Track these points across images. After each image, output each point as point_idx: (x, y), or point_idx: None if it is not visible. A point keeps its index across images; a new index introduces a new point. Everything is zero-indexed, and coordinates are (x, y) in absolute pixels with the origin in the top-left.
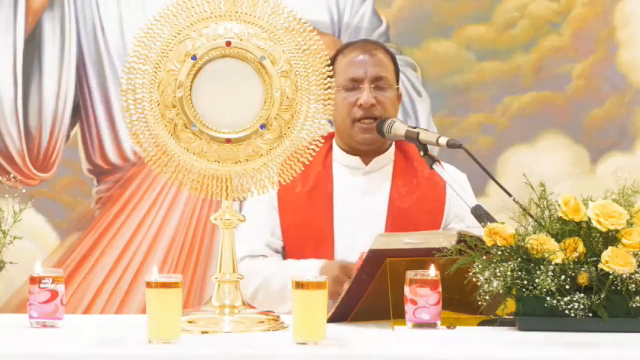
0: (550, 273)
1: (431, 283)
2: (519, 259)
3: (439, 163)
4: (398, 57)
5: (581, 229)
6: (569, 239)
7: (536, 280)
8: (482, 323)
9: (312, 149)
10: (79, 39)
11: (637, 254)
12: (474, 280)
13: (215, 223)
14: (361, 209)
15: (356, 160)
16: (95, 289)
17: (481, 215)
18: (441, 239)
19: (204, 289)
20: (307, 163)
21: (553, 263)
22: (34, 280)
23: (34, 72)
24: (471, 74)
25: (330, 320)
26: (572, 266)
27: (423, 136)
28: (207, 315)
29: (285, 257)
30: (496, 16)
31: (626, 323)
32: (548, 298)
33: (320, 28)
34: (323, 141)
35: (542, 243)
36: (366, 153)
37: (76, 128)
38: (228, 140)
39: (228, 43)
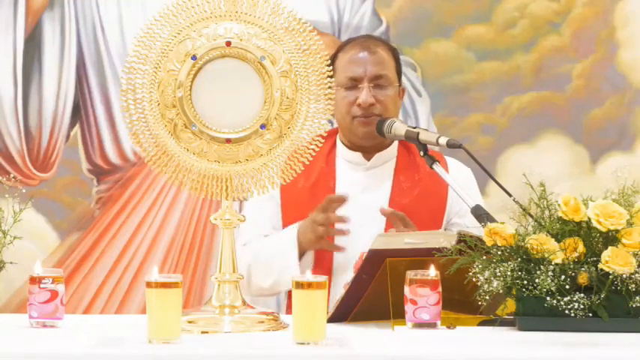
0: (550, 273)
1: (431, 283)
2: (519, 259)
3: (439, 162)
4: None
5: (581, 229)
6: (569, 239)
7: (536, 280)
8: (482, 323)
9: (313, 149)
10: (79, 39)
11: (637, 254)
12: (474, 280)
13: (215, 223)
14: (362, 205)
15: (358, 156)
16: (95, 289)
17: (481, 215)
18: (441, 239)
19: (204, 289)
20: (307, 163)
21: (553, 263)
22: (34, 280)
23: (34, 72)
24: (471, 74)
25: (330, 320)
26: (572, 266)
27: (423, 136)
28: (207, 315)
29: None
30: (496, 16)
31: (626, 323)
32: (548, 298)
33: (320, 28)
34: (323, 141)
35: (542, 243)
36: (368, 148)
37: (76, 128)
38: (228, 140)
39: (228, 43)
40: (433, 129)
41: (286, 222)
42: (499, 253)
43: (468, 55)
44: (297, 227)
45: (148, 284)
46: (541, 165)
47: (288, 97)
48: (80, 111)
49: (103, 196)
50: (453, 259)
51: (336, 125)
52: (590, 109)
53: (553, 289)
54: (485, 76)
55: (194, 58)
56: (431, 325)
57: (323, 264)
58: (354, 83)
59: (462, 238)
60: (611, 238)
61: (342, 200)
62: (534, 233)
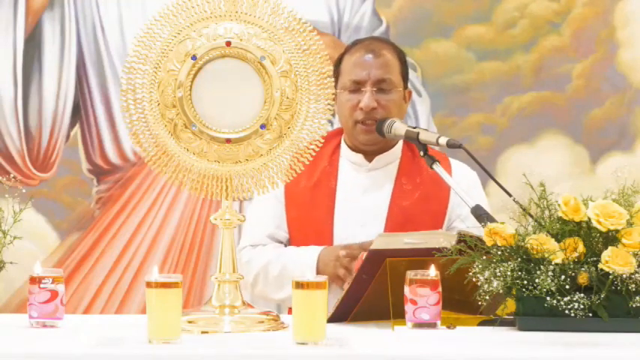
0: (550, 273)
1: (431, 283)
2: (519, 259)
3: (440, 162)
4: None
5: (581, 229)
6: (569, 239)
7: (536, 280)
8: (482, 323)
9: (312, 149)
10: (79, 39)
11: (637, 254)
12: (474, 280)
13: (215, 223)
14: (362, 206)
15: (360, 158)
16: (95, 289)
17: (481, 215)
18: (441, 239)
19: (204, 289)
20: (307, 163)
21: (553, 263)
22: (34, 280)
23: (34, 72)
24: (471, 74)
25: (330, 320)
26: (572, 266)
27: (423, 136)
28: (207, 315)
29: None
30: (496, 16)
31: (626, 323)
32: (548, 298)
33: (320, 28)
34: (323, 141)
35: (542, 243)
36: (371, 152)
37: (76, 128)
38: (228, 140)
39: (228, 43)
40: (433, 129)
41: (290, 220)
42: (499, 253)
43: (468, 55)
44: (318, 252)
45: (148, 284)
46: (541, 165)
47: (288, 97)
48: (80, 111)
49: (103, 196)
50: (453, 259)
51: (336, 125)
52: (590, 109)
53: (553, 289)
54: (485, 76)
55: (194, 58)
56: (431, 325)
57: None
58: (357, 86)
59: (462, 238)
60: (611, 238)
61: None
62: (534, 233)
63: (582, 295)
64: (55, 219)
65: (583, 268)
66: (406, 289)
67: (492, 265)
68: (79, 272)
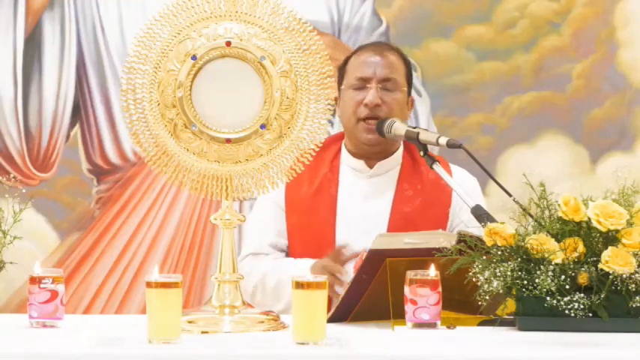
0: (550, 273)
1: (431, 283)
2: (519, 259)
3: (439, 163)
4: None
5: (581, 229)
6: (569, 239)
7: (536, 280)
8: (482, 323)
9: (312, 149)
10: (79, 39)
11: (637, 254)
12: (474, 280)
13: (215, 223)
14: (364, 213)
15: (361, 164)
16: (95, 289)
17: (481, 215)
18: (441, 239)
19: (204, 289)
20: (307, 163)
21: (553, 263)
22: (34, 280)
23: (34, 72)
24: (471, 74)
25: (330, 320)
26: (572, 266)
27: (423, 136)
28: (207, 315)
29: (287, 257)
30: (496, 16)
31: (626, 323)
32: (548, 298)
33: (320, 28)
34: (322, 141)
35: (542, 243)
36: (372, 155)
37: (76, 128)
38: (228, 140)
39: (228, 43)
40: (433, 129)
41: (290, 227)
42: (499, 253)
43: (468, 55)
44: (311, 265)
45: (148, 284)
46: (541, 165)
47: (288, 97)
48: (80, 111)
49: (103, 196)
50: (453, 259)
51: (336, 126)
52: (590, 109)
53: (553, 289)
54: (485, 76)
55: (194, 58)
56: (431, 325)
57: None
58: (362, 83)
59: (462, 238)
60: (611, 238)
61: (351, 256)
62: (534, 233)
63: (582, 295)
64: (55, 219)
65: (583, 268)
66: (406, 289)
67: (492, 265)
68: (79, 272)
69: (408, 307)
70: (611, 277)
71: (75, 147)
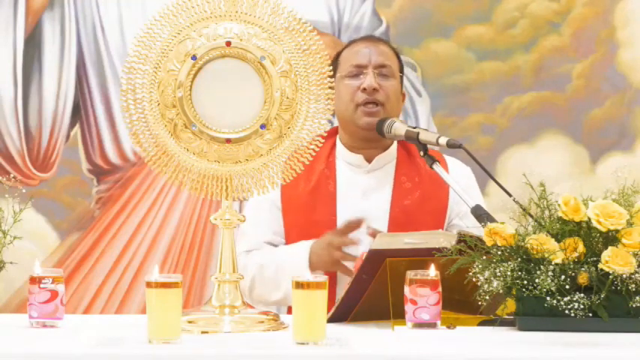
0: (550, 273)
1: (431, 283)
2: (519, 259)
3: (439, 162)
4: None
5: (581, 229)
6: (569, 239)
7: (536, 280)
8: (483, 323)
9: (313, 149)
10: (79, 39)
11: (637, 254)
12: (474, 280)
13: (215, 223)
14: (363, 208)
15: (359, 158)
16: (95, 289)
17: (481, 215)
18: (441, 239)
19: (204, 289)
20: (307, 163)
21: (553, 263)
22: (34, 280)
23: (34, 72)
24: (471, 74)
25: (330, 320)
26: (572, 266)
27: (423, 136)
28: (207, 315)
29: None
30: (496, 16)
31: (626, 323)
32: (548, 298)
33: (320, 28)
34: (323, 141)
35: (542, 243)
36: (370, 144)
37: (76, 128)
38: (228, 140)
39: (228, 43)
40: (433, 129)
41: (287, 226)
42: (499, 253)
43: (468, 55)
44: (309, 245)
45: (148, 284)
46: (541, 165)
47: (288, 97)
48: (80, 111)
49: (103, 196)
50: (453, 259)
51: (335, 125)
52: (590, 109)
53: (553, 289)
54: (485, 76)
55: (194, 58)
56: (431, 325)
57: None
58: (359, 70)
59: (462, 238)
60: (611, 238)
61: (359, 224)
62: (534, 233)
63: (582, 295)
64: (55, 219)
65: (583, 268)
66: (406, 289)
67: (492, 265)
68: (79, 272)
69: (408, 307)
70: (611, 277)
71: (75, 147)
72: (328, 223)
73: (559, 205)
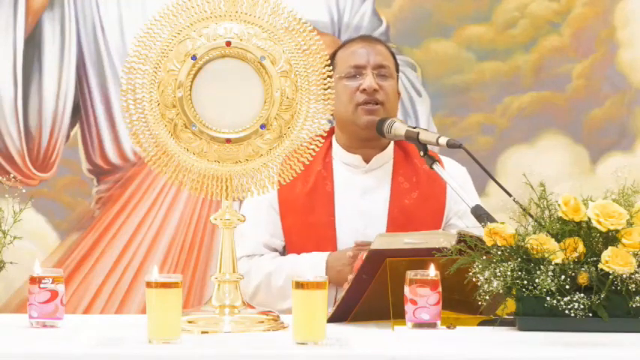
0: (550, 273)
1: (431, 283)
2: (519, 259)
3: (439, 162)
4: (398, 57)
5: (581, 229)
6: (569, 239)
7: (536, 280)
8: (483, 323)
9: (313, 149)
10: (79, 39)
11: (637, 254)
12: (474, 280)
13: (215, 223)
14: (362, 208)
15: (357, 159)
16: (95, 289)
17: (481, 215)
18: (441, 239)
19: (204, 289)
20: (307, 163)
21: (553, 263)
22: (34, 280)
23: (34, 72)
24: (471, 74)
25: (330, 320)
26: (572, 266)
27: (423, 136)
28: (207, 315)
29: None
30: (496, 16)
31: (626, 323)
32: (548, 298)
33: (320, 28)
34: (323, 140)
35: (542, 243)
36: (368, 144)
37: (76, 128)
38: (228, 140)
39: (228, 43)
40: (433, 129)
41: (286, 227)
42: (499, 253)
43: (468, 55)
44: (324, 259)
45: (148, 284)
46: (541, 165)
47: (288, 97)
48: (80, 111)
49: (103, 196)
50: (453, 259)
51: (334, 125)
52: (590, 109)
53: (553, 289)
54: (485, 76)
55: (194, 58)
56: (431, 325)
57: None
58: (357, 70)
59: (462, 238)
60: (611, 238)
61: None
62: (534, 233)
63: (582, 295)
64: (55, 219)
65: (583, 268)
66: (406, 289)
67: (492, 265)
68: (79, 272)
69: (408, 307)
70: (611, 277)
71: (75, 147)
72: (327, 224)
73: (559, 205)
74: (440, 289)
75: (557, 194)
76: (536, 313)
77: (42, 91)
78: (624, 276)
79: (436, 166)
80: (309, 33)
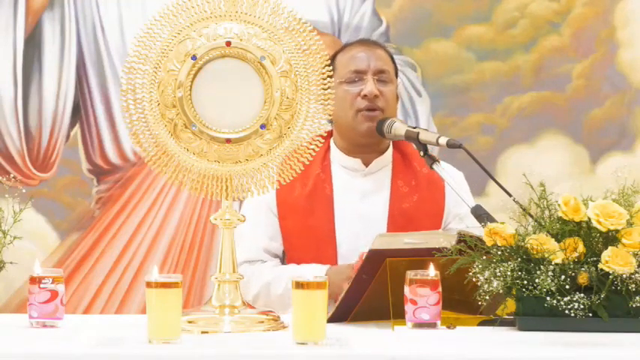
0: (550, 273)
1: (431, 283)
2: (519, 259)
3: (439, 162)
4: (398, 57)
5: (581, 229)
6: (569, 239)
7: (536, 280)
8: (483, 323)
9: (312, 149)
10: (79, 39)
11: (637, 254)
12: (474, 280)
13: (215, 223)
14: (362, 211)
15: (356, 162)
16: (95, 289)
17: (481, 215)
18: (441, 239)
19: (204, 289)
20: (307, 163)
21: (553, 263)
22: (34, 280)
23: (34, 72)
24: (471, 74)
25: (330, 320)
26: (572, 266)
27: (423, 136)
28: (207, 315)
29: (285, 261)
30: (496, 16)
31: (626, 323)
32: (548, 298)
33: (320, 28)
34: (323, 140)
35: (542, 243)
36: (367, 149)
37: (76, 128)
38: (228, 140)
39: (228, 43)
40: (433, 129)
41: (285, 231)
42: (499, 253)
43: (468, 55)
44: (324, 272)
45: (148, 284)
46: (541, 165)
47: (288, 97)
48: (80, 111)
49: (103, 196)
50: (453, 259)
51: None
52: (590, 109)
53: (553, 289)
54: (485, 76)
55: (194, 58)
56: (431, 325)
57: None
58: (358, 76)
59: (462, 238)
60: (611, 238)
61: None
62: (534, 233)
63: (582, 295)
64: (55, 219)
65: (583, 268)
66: (406, 289)
67: (492, 265)
68: (79, 272)
69: (408, 307)
70: (611, 277)
71: (75, 147)
72: (326, 227)
73: (559, 205)
74: (440, 289)
75: (557, 194)
76: (536, 313)
77: (42, 91)
78: (624, 276)
79: (436, 166)
80: (309, 33)
